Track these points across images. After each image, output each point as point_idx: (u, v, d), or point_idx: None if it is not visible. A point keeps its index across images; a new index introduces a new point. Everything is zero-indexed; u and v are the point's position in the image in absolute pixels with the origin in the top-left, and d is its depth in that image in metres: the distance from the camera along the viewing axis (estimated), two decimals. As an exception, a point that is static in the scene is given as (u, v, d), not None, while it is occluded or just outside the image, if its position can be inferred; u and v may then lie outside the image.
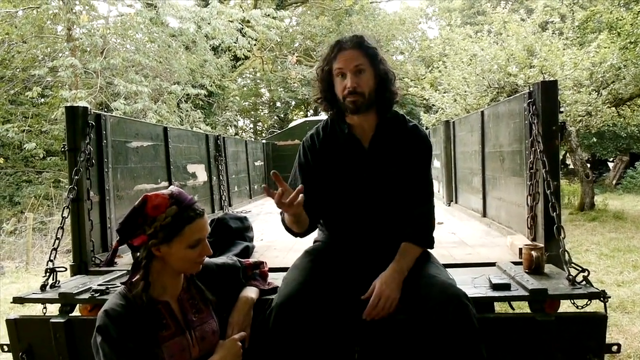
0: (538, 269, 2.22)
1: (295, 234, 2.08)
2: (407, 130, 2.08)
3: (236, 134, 18.57)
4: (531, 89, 2.62)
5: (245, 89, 23.27)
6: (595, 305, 2.01)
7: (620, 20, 9.87)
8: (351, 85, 1.92)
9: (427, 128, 2.30)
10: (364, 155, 2.05)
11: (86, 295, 2.11)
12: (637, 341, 3.70)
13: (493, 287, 2.01)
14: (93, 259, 2.66)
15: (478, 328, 1.70)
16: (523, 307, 2.67)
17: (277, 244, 3.28)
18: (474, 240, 3.18)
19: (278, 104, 25.35)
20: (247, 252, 2.84)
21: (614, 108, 10.24)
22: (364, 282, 1.91)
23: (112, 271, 2.47)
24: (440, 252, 2.11)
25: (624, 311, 4.36)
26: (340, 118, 2.07)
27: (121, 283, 1.63)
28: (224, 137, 5.41)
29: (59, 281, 2.31)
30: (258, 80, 24.04)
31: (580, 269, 2.01)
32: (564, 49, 9.33)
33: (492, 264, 2.43)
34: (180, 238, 1.57)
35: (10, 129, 10.42)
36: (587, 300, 1.97)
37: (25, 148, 10.09)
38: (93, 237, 2.68)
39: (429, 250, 2.07)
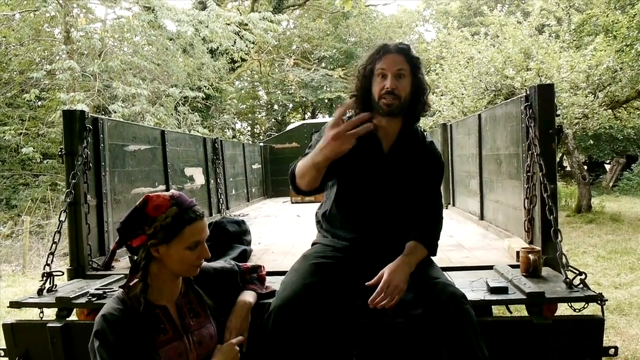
0: (535, 272, 2.22)
1: (301, 190, 2.01)
2: (424, 146, 2.14)
3: (234, 136, 18.57)
4: (528, 92, 2.63)
5: (242, 91, 23.29)
6: (593, 308, 2.01)
7: (616, 23, 9.92)
8: (390, 86, 1.95)
9: (424, 131, 2.32)
10: (382, 159, 2.08)
11: (83, 300, 2.10)
12: (634, 343, 3.70)
13: (490, 291, 2.02)
14: (90, 262, 2.65)
15: (477, 326, 1.70)
16: (521, 311, 2.67)
17: (275, 247, 3.28)
18: (472, 243, 3.18)
19: (276, 106, 25.37)
20: (245, 255, 2.84)
21: (610, 110, 10.28)
22: (362, 286, 1.91)
23: (109, 275, 2.47)
24: (438, 255, 2.11)
25: (621, 313, 4.37)
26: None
27: (120, 287, 1.63)
28: (221, 140, 5.41)
29: (56, 285, 2.30)
30: (256, 83, 24.07)
31: (577, 272, 2.02)
32: (560, 52, 9.36)
33: (490, 267, 2.43)
34: (179, 239, 1.57)
35: (7, 132, 10.39)
36: (584, 303, 1.97)
37: (22, 151, 10.06)
38: (90, 240, 2.67)
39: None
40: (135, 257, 1.61)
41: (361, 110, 2.07)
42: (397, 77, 1.98)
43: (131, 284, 1.60)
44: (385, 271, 1.87)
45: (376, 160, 2.07)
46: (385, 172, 2.07)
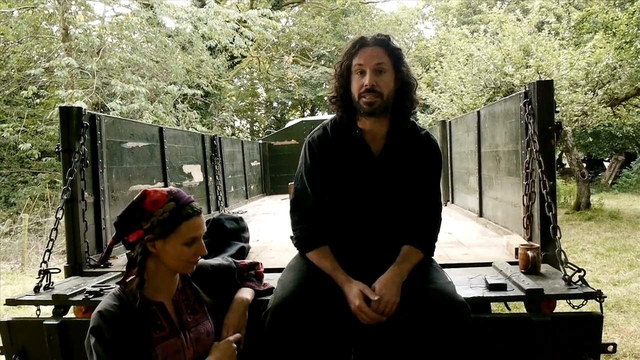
0: (534, 269, 2.21)
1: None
2: (419, 140, 2.00)
3: (233, 134, 18.55)
4: (527, 88, 2.62)
5: (242, 89, 23.26)
6: (591, 305, 2.01)
7: (616, 20, 9.89)
8: (369, 82, 1.81)
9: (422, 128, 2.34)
10: (373, 164, 1.97)
11: (80, 297, 2.09)
12: (632, 340, 3.70)
13: (489, 288, 2.01)
14: (88, 260, 2.64)
15: (472, 337, 1.70)
16: (519, 307, 2.66)
17: (273, 244, 3.28)
18: (471, 240, 3.18)
19: (275, 104, 25.34)
20: (243, 252, 2.83)
21: (609, 108, 10.26)
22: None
23: (106, 272, 2.46)
24: (437, 252, 2.10)
25: (620, 310, 4.37)
26: (351, 121, 1.97)
27: (116, 282, 1.62)
28: (220, 138, 5.40)
29: (53, 283, 2.29)
30: (255, 81, 24.03)
31: (576, 268, 2.01)
32: (559, 49, 9.35)
33: (489, 264, 2.42)
34: (176, 234, 1.56)
35: (6, 129, 10.37)
36: (583, 300, 1.97)
37: (20, 148, 10.04)
38: (87, 238, 2.66)
39: None
40: (132, 253, 1.60)
41: (343, 112, 1.96)
42: (377, 73, 1.83)
43: (128, 279, 1.59)
44: (376, 286, 1.80)
45: (368, 166, 1.96)
46: (378, 177, 1.96)
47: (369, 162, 1.97)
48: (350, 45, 1.91)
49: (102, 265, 2.58)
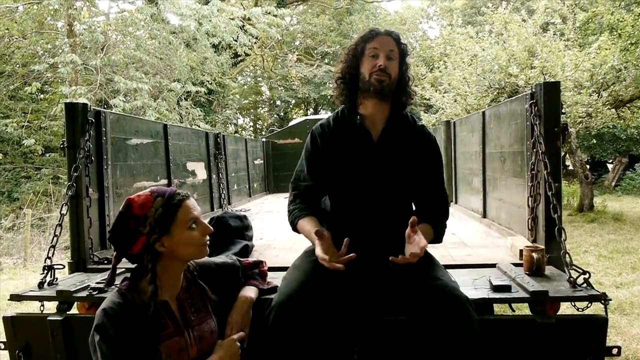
0: (539, 271, 2.21)
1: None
2: (415, 130, 2.11)
3: (236, 132, 18.57)
4: (533, 90, 2.61)
5: (245, 87, 23.25)
6: (595, 308, 2.00)
7: (621, 21, 9.86)
8: (384, 63, 1.97)
9: (424, 124, 2.37)
10: (372, 149, 2.06)
11: (84, 293, 2.09)
12: (635, 343, 3.69)
13: (493, 289, 2.00)
14: (91, 256, 2.64)
15: (478, 334, 1.69)
16: (523, 309, 2.66)
17: (277, 243, 3.27)
18: (474, 241, 3.17)
19: (278, 102, 25.34)
20: (247, 251, 2.83)
21: (614, 110, 10.23)
22: (364, 282, 1.90)
23: (110, 269, 2.45)
24: (440, 252, 2.10)
25: (623, 313, 4.36)
26: (352, 108, 2.09)
27: (125, 290, 1.60)
28: (223, 135, 5.40)
29: (57, 279, 2.29)
30: (258, 79, 24.03)
31: (581, 271, 2.01)
32: (564, 50, 9.32)
33: (493, 265, 2.42)
34: (177, 224, 1.57)
35: (10, 124, 10.38)
36: (587, 302, 1.96)
37: (24, 144, 10.06)
38: (92, 234, 2.66)
39: (430, 252, 2.05)
40: (143, 262, 1.58)
41: (346, 95, 2.08)
42: (388, 58, 1.99)
43: (136, 284, 1.58)
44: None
45: (366, 152, 2.05)
46: (377, 163, 2.04)
47: (369, 146, 2.07)
48: (366, 32, 2.07)
49: (105, 262, 2.58)
